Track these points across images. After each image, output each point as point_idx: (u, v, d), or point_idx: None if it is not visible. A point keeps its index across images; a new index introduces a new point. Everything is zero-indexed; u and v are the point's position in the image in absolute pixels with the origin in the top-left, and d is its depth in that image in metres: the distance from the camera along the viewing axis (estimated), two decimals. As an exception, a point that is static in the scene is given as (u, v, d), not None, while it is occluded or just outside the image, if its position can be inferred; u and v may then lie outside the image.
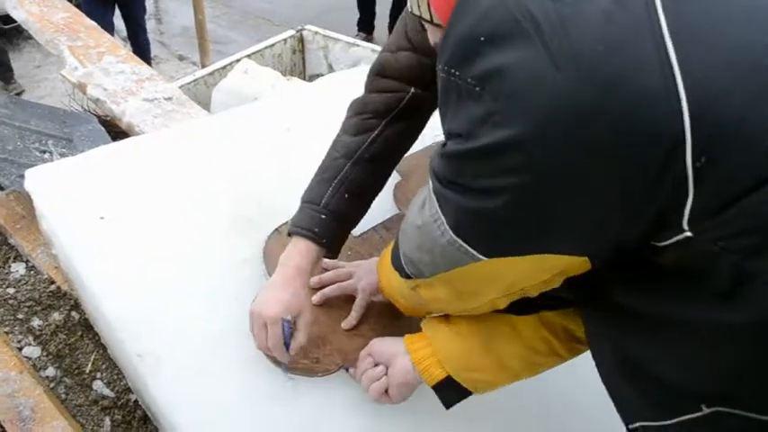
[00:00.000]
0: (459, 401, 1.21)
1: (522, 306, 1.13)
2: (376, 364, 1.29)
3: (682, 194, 0.74)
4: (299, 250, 1.32)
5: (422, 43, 1.31)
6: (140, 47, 5.22)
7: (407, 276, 1.09)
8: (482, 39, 0.76)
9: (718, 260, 0.76)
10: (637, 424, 0.98)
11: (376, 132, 1.37)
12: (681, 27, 0.72)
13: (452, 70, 0.80)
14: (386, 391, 1.26)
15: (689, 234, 0.76)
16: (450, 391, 1.19)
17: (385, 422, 1.37)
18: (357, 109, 1.42)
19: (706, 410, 0.87)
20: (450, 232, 0.89)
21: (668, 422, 0.91)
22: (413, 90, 1.37)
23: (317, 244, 1.33)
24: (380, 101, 1.39)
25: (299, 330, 1.30)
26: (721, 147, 0.71)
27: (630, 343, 0.95)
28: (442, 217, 0.90)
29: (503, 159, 0.77)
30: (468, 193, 0.84)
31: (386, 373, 1.26)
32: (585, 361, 1.16)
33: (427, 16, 0.97)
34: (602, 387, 1.05)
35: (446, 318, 1.23)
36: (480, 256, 0.88)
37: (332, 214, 1.33)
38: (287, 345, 1.28)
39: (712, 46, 0.72)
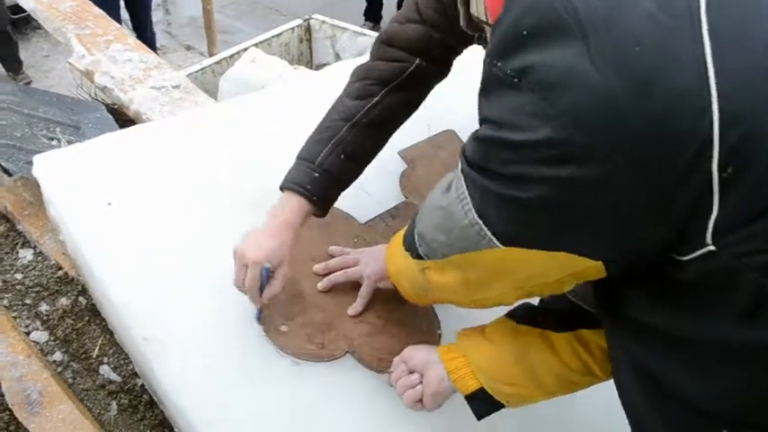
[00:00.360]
0: (490, 413, 1.21)
1: (559, 322, 1.15)
2: (410, 372, 1.29)
3: (707, 204, 0.73)
4: (291, 205, 1.36)
5: (431, 17, 1.35)
6: (146, 40, 5.20)
7: (419, 257, 1.08)
8: (525, 33, 0.77)
9: (739, 277, 0.75)
10: None
11: (377, 99, 1.41)
12: (721, 30, 0.71)
13: (495, 61, 0.80)
14: (420, 398, 1.26)
15: (712, 248, 0.75)
16: (483, 403, 1.19)
17: (389, 408, 1.38)
18: (361, 74, 1.45)
19: None
20: (474, 213, 0.89)
21: None
22: (417, 61, 1.40)
23: (309, 201, 1.36)
24: (385, 69, 1.42)
25: (275, 280, 1.34)
26: (749, 157, 0.70)
27: (649, 359, 0.95)
28: (468, 198, 0.90)
29: (533, 152, 0.77)
30: (496, 178, 0.84)
31: (420, 382, 1.26)
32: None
33: (484, 18, 0.99)
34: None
35: (481, 329, 1.23)
36: (497, 243, 0.88)
37: (326, 173, 1.37)
38: (262, 290, 1.32)
39: (749, 50, 0.71)
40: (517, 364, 1.16)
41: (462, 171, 0.91)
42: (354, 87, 1.44)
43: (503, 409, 1.21)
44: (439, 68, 1.47)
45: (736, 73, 0.70)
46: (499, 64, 0.79)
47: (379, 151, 1.48)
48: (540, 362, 1.16)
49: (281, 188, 1.39)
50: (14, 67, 5.75)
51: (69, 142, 1.93)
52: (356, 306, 1.47)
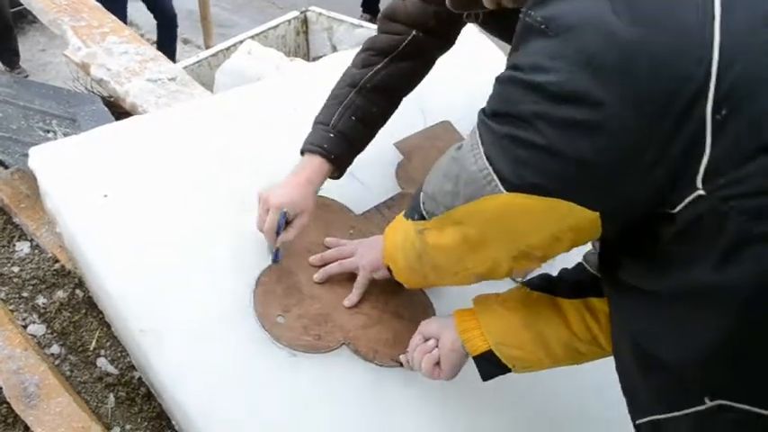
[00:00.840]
0: (496, 376, 1.25)
1: (571, 289, 1.19)
2: (426, 340, 1.32)
3: (699, 146, 0.77)
4: (312, 164, 1.48)
5: None
6: (166, 48, 5.09)
7: (421, 218, 1.11)
8: None
9: (725, 222, 0.78)
10: (646, 419, 0.99)
11: (378, 67, 1.54)
12: None
13: (529, 11, 0.86)
14: (438, 365, 1.30)
15: (701, 192, 0.79)
16: (490, 365, 1.23)
17: (385, 399, 1.38)
18: (366, 46, 1.59)
19: (709, 403, 0.89)
20: (483, 158, 0.93)
21: (675, 414, 0.93)
22: (414, 33, 1.52)
23: (327, 159, 1.47)
24: (385, 41, 1.56)
25: (292, 227, 1.46)
26: (742, 101, 0.75)
27: (636, 324, 0.98)
28: (480, 146, 0.94)
29: (549, 93, 0.83)
30: (511, 121, 0.88)
31: (437, 346, 1.30)
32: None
33: None
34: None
35: (497, 295, 1.27)
36: (501, 188, 0.91)
37: (340, 134, 1.49)
38: (278, 234, 1.43)
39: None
40: (527, 329, 1.19)
41: (477, 124, 0.95)
42: (360, 57, 1.58)
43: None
44: (438, 41, 1.57)
45: (739, 18, 0.76)
46: (532, 12, 0.85)
47: (387, 118, 1.59)
48: (548, 329, 1.19)
49: (302, 151, 1.50)
50: (12, 60, 5.72)
51: (65, 135, 1.92)
52: (352, 297, 1.48)
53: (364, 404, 1.37)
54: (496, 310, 1.23)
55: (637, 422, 1.02)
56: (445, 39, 1.58)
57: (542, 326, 1.19)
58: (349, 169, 1.55)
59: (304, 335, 1.40)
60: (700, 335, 0.87)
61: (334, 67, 1.62)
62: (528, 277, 1.30)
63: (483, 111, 0.95)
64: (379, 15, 1.59)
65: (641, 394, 1.01)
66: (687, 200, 0.80)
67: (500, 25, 1.08)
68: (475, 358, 1.23)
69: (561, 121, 0.83)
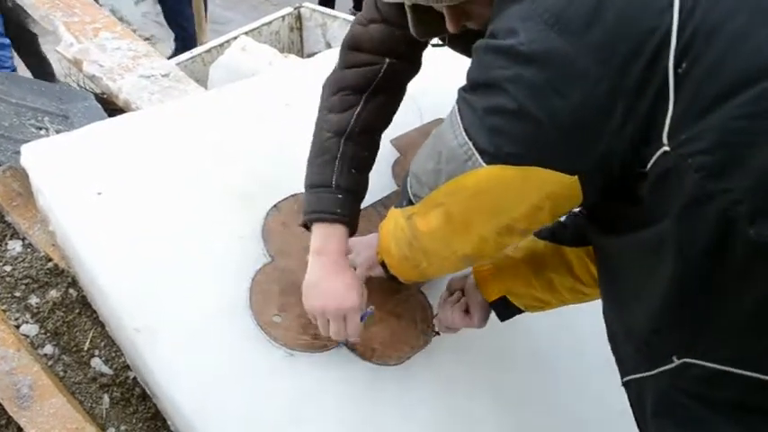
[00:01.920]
0: (511, 317, 1.35)
1: (575, 237, 1.26)
2: (451, 294, 1.41)
3: (663, 102, 0.79)
4: (334, 235, 1.35)
5: (390, 14, 1.36)
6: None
7: (409, 202, 1.10)
8: None
9: (684, 178, 0.80)
10: (629, 377, 1.03)
11: (359, 108, 1.41)
12: None
13: None
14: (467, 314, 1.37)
15: (666, 148, 0.80)
16: (505, 309, 1.34)
17: (382, 398, 1.37)
18: (335, 86, 1.45)
19: (677, 362, 0.91)
20: (463, 133, 0.93)
21: (649, 373, 0.96)
22: (388, 60, 1.41)
23: (343, 224, 1.35)
24: (357, 76, 1.42)
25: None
26: (701, 53, 0.77)
27: (611, 287, 1.03)
28: (459, 120, 0.94)
29: (517, 54, 0.85)
30: (483, 90, 0.90)
31: (462, 296, 1.39)
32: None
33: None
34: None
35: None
36: (481, 161, 0.91)
37: (346, 192, 1.37)
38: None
39: None
40: (535, 276, 1.29)
41: (457, 101, 0.97)
42: (333, 101, 1.44)
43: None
44: (410, 65, 1.48)
45: None
46: None
47: (376, 157, 1.49)
48: (555, 275, 1.28)
49: (309, 222, 1.38)
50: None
51: (58, 131, 1.90)
52: None
53: (361, 403, 1.37)
54: (508, 258, 1.32)
55: (624, 380, 1.05)
56: (415, 61, 1.48)
57: (550, 273, 1.28)
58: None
59: (301, 334, 1.39)
60: (656, 289, 0.89)
61: (328, 63, 1.59)
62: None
63: (462, 87, 0.96)
64: (342, 46, 1.47)
65: (624, 356, 1.04)
66: (655, 156, 0.82)
67: (467, 45, 1.06)
68: (491, 303, 1.33)
69: (530, 83, 0.84)
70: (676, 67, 0.77)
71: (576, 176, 0.88)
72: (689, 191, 0.80)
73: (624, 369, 1.05)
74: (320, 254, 1.34)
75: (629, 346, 1.01)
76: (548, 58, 0.82)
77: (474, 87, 0.93)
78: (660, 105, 0.79)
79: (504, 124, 0.88)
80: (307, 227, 1.39)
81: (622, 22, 0.79)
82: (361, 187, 1.43)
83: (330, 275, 1.32)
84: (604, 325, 1.08)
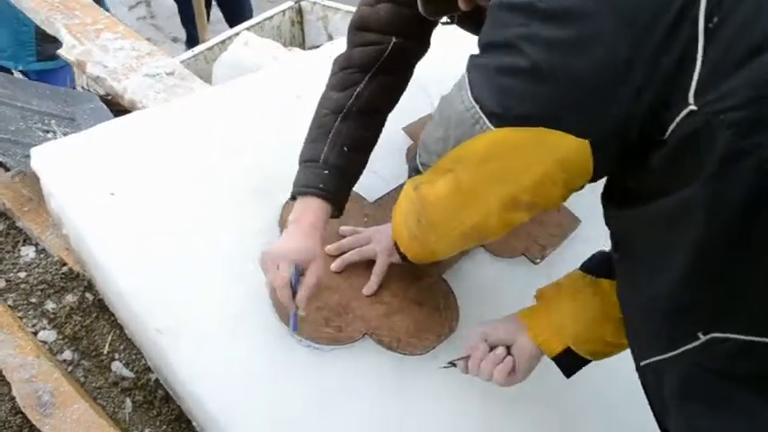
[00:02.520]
0: (578, 370, 1.19)
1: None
2: (492, 348, 1.22)
3: (690, 59, 0.75)
4: (311, 208, 1.33)
5: None
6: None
7: (417, 171, 1.08)
8: None
9: (715, 136, 0.75)
10: (647, 361, 0.98)
11: (361, 86, 1.40)
12: None
13: None
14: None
15: (693, 107, 0.76)
16: (570, 362, 1.18)
17: (408, 387, 1.35)
18: (341, 64, 1.44)
19: (703, 338, 0.87)
20: (470, 97, 0.91)
21: (671, 354, 0.92)
22: (394, 40, 1.39)
23: (325, 200, 1.34)
24: (363, 54, 1.41)
25: (306, 281, 1.28)
26: (734, 8, 0.73)
27: (634, 264, 0.97)
28: (467, 85, 0.92)
29: (535, 11, 0.81)
30: (497, 49, 0.88)
31: (507, 353, 1.21)
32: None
33: None
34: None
35: (557, 287, 1.21)
36: (489, 125, 0.89)
37: (333, 168, 1.35)
38: (294, 292, 1.26)
39: None
40: (607, 321, 1.13)
41: (467, 66, 0.94)
42: (337, 79, 1.43)
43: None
44: (418, 44, 1.46)
45: None
46: None
47: (377, 138, 1.46)
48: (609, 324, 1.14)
49: (294, 195, 1.36)
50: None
51: (65, 134, 1.88)
52: (371, 284, 1.44)
53: (387, 394, 1.34)
54: (566, 304, 1.17)
55: (640, 364, 1.00)
56: (423, 41, 1.46)
57: (617, 313, 1.09)
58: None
59: (325, 327, 1.36)
60: (679, 260, 0.85)
61: (333, 55, 1.56)
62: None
63: (473, 54, 0.94)
64: (349, 27, 1.45)
65: (642, 338, 1.00)
66: (679, 117, 0.78)
67: (477, 23, 1.02)
68: (553, 359, 1.18)
69: (548, 41, 0.81)
70: (707, 21, 0.74)
71: (588, 141, 0.84)
72: (721, 149, 0.76)
73: (640, 353, 1.01)
74: (293, 223, 1.33)
75: (647, 329, 0.97)
76: (568, 16, 0.79)
77: (486, 48, 0.91)
78: (686, 63, 0.75)
79: (517, 84, 0.85)
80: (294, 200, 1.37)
81: None
82: (353, 167, 1.41)
83: (290, 236, 1.31)
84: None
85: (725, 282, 0.84)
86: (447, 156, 0.99)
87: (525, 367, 1.20)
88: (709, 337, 0.87)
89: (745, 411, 0.87)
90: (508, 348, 1.21)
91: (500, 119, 0.88)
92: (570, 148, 0.85)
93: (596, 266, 1.19)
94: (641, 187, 0.89)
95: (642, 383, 1.03)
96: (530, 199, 0.96)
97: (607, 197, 0.99)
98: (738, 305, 0.84)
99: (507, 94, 0.87)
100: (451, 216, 1.06)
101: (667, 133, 0.79)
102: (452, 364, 1.27)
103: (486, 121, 0.89)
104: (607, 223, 1.02)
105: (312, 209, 1.33)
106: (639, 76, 0.78)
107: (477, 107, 0.90)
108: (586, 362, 1.18)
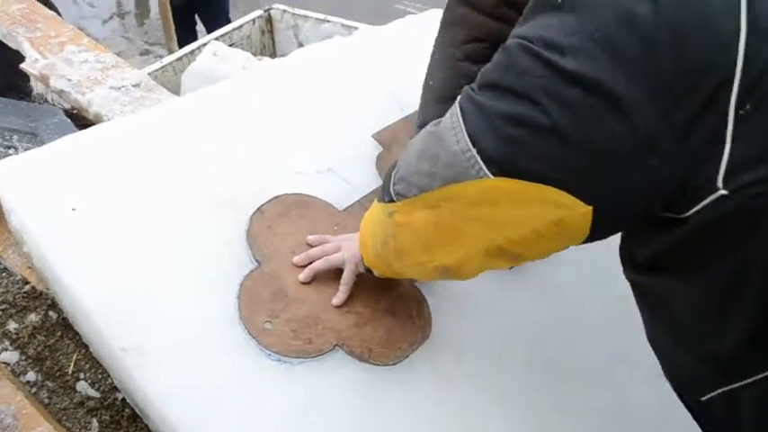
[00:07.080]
0: None
1: None
2: None
3: (718, 144, 0.72)
4: None
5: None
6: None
7: (390, 200, 1.04)
8: None
9: (759, 219, 0.74)
10: (716, 392, 0.94)
11: None
12: None
13: None
14: None
15: (723, 192, 0.74)
16: None
17: (381, 399, 1.32)
18: (467, 35, 1.30)
19: None
20: (466, 137, 0.86)
21: (747, 381, 0.89)
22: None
23: None
24: (493, 26, 1.25)
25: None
26: (767, 94, 0.69)
27: (680, 327, 0.95)
28: (463, 125, 0.87)
29: (562, 71, 0.76)
30: (510, 95, 0.81)
31: None
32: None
33: None
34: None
35: None
36: (487, 172, 0.85)
37: None
38: None
39: None
40: None
41: (461, 101, 0.89)
42: (469, 49, 1.28)
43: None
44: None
45: (765, 2, 0.69)
46: None
47: None
48: None
49: None
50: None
51: (27, 150, 1.84)
52: (340, 294, 1.41)
53: (361, 406, 1.31)
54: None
55: (704, 398, 0.97)
56: None
57: None
58: (328, 165, 1.47)
59: (294, 339, 1.33)
60: (739, 317, 0.83)
61: (302, 62, 1.54)
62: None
63: (470, 87, 0.88)
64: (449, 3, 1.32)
65: (701, 375, 0.96)
66: (705, 201, 0.76)
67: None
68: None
69: (571, 104, 0.76)
70: (738, 108, 0.70)
71: (592, 207, 0.82)
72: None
73: (701, 387, 0.97)
74: None
75: (707, 368, 0.94)
76: (596, 84, 0.75)
77: (492, 88, 0.84)
78: (713, 148, 0.73)
79: (526, 138, 0.80)
80: None
81: (682, 55, 0.71)
82: None
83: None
84: (610, 319, 1.03)
85: None
86: (433, 192, 0.94)
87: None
88: None
89: None
90: None
91: (502, 170, 0.84)
92: (573, 209, 0.83)
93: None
94: (667, 255, 0.87)
95: (707, 414, 1.00)
96: (517, 251, 0.93)
97: (629, 260, 0.97)
98: None
99: (515, 147, 0.82)
100: (423, 250, 1.04)
101: (690, 211, 0.78)
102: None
103: (485, 168, 0.85)
104: (629, 280, 1.00)
105: None
106: (660, 155, 0.75)
107: (475, 151, 0.85)
108: None
